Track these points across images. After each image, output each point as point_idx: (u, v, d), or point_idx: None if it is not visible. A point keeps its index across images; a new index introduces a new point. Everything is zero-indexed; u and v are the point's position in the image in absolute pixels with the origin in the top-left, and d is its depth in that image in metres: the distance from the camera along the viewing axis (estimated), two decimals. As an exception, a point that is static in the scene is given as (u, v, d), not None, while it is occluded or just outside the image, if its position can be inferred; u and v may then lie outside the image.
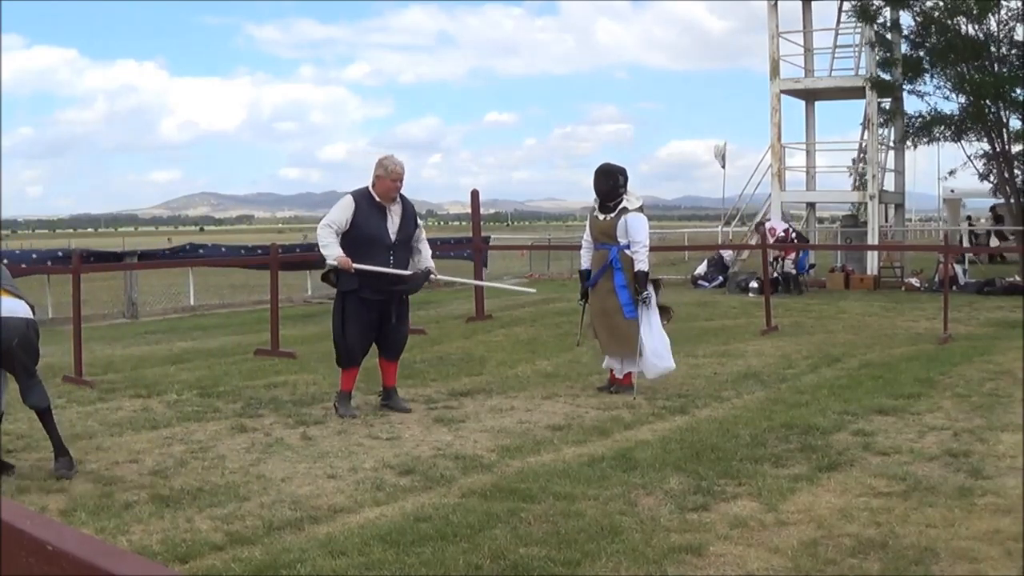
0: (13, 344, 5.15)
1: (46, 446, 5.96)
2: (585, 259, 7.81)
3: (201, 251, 17.30)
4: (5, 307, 5.17)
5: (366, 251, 6.69)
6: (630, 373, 7.55)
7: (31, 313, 5.38)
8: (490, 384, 8.00)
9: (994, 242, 24.37)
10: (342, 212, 6.77)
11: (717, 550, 3.97)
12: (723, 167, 23.79)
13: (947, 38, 17.87)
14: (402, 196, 6.90)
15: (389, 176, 6.75)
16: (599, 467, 5.24)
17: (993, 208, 26.86)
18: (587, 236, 7.78)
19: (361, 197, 6.80)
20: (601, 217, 7.56)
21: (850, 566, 3.79)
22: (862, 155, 20.82)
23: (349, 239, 6.74)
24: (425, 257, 7.07)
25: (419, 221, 7.15)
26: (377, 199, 6.77)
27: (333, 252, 6.70)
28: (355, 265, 6.66)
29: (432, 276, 7.08)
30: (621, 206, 7.47)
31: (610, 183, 7.50)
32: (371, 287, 6.74)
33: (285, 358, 9.49)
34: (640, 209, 7.55)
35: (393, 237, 6.78)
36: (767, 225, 17.35)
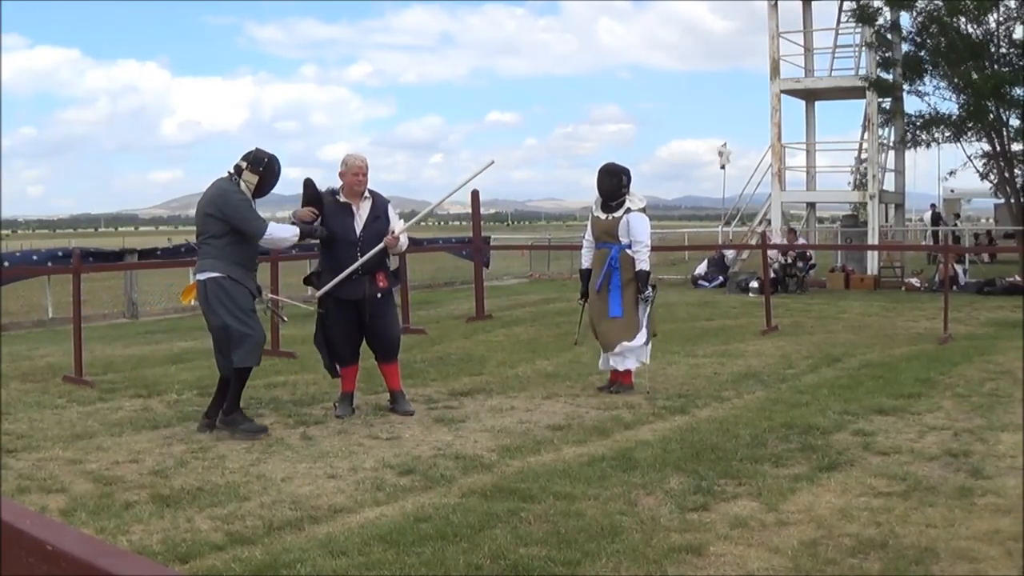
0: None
1: (46, 446, 5.97)
2: (586, 258, 7.82)
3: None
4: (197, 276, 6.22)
5: (334, 250, 6.71)
6: (630, 372, 7.56)
7: (206, 274, 6.13)
8: (490, 384, 8.00)
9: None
10: None
11: (717, 550, 3.97)
12: (723, 167, 23.85)
13: (947, 38, 17.88)
14: (374, 193, 6.86)
15: (350, 171, 6.73)
16: (599, 467, 5.24)
17: (933, 206, 27.25)
18: (588, 236, 7.79)
19: (328, 197, 6.81)
20: (603, 216, 7.57)
21: (850, 566, 3.79)
22: (862, 155, 20.84)
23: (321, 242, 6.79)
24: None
25: (394, 215, 7.01)
26: (343, 198, 6.77)
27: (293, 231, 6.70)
28: (318, 293, 6.72)
29: (389, 237, 6.75)
30: (624, 206, 7.49)
31: (614, 182, 7.52)
32: (344, 289, 6.71)
33: (285, 358, 9.48)
34: (643, 210, 7.58)
35: (358, 234, 6.71)
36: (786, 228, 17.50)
